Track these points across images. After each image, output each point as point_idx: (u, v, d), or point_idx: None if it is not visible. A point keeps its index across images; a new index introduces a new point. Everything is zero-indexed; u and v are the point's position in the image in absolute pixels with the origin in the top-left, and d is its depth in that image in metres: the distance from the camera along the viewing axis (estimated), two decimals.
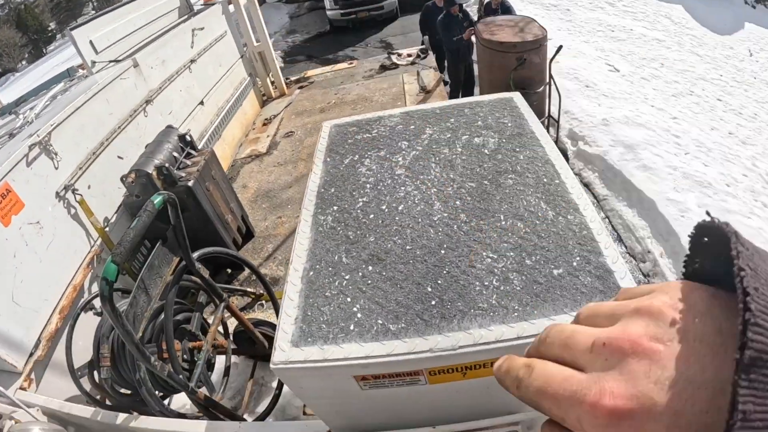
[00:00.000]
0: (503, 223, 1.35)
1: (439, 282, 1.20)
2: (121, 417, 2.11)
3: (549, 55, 5.10)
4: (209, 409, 2.28)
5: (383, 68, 7.04)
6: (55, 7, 29.00)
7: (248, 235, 4.19)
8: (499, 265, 1.22)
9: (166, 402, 2.44)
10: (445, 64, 7.04)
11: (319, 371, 1.11)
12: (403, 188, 1.51)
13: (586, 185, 5.47)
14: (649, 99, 6.91)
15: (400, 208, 1.44)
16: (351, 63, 7.72)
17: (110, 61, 4.17)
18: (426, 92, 5.90)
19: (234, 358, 2.91)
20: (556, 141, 5.57)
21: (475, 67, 6.29)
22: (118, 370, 2.35)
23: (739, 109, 6.99)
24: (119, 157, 3.71)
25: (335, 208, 1.49)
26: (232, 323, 2.88)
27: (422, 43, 7.27)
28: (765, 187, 5.21)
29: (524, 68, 4.93)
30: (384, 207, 1.45)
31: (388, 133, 1.79)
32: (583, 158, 5.75)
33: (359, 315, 1.16)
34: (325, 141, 1.81)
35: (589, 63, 7.77)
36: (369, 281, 1.23)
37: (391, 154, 1.67)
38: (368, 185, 1.55)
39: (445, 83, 6.91)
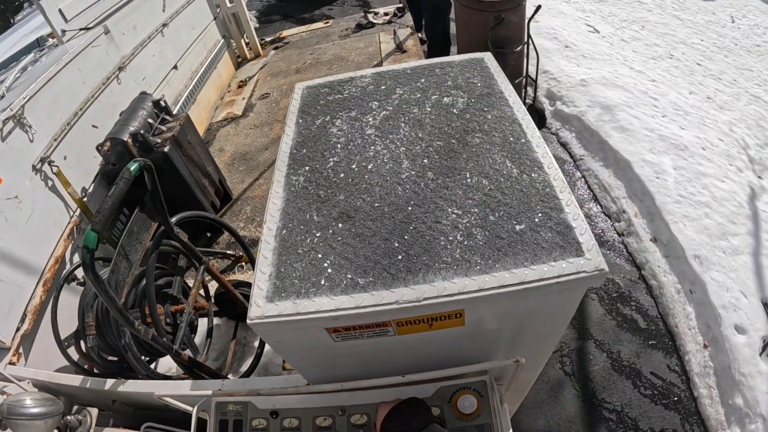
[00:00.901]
0: (469, 180, 1.39)
1: (406, 237, 1.25)
2: (110, 383, 2.16)
3: (528, 15, 5.05)
4: (194, 370, 2.35)
5: (359, 27, 6.88)
6: None
7: (226, 198, 4.20)
8: (463, 221, 1.28)
9: (152, 366, 2.51)
10: (423, 23, 6.93)
11: (293, 324, 1.16)
12: (372, 147, 1.54)
13: (563, 145, 5.53)
14: (628, 61, 6.90)
15: (369, 167, 1.48)
16: (327, 22, 7.51)
17: (81, 29, 4.05)
18: (402, 51, 5.82)
19: (216, 320, 2.97)
20: (534, 101, 5.59)
21: (453, 26, 6.20)
22: (103, 338, 2.39)
23: (718, 74, 6.98)
24: (94, 126, 3.65)
25: (307, 168, 1.52)
26: (213, 286, 2.92)
27: (399, 2, 7.12)
28: (740, 152, 5.25)
29: (502, 27, 4.88)
30: (354, 166, 1.49)
31: (360, 94, 1.80)
32: (561, 118, 5.79)
33: (330, 270, 1.21)
34: (298, 103, 1.82)
35: (569, 23, 7.71)
36: (339, 238, 1.28)
37: (361, 115, 1.70)
38: (339, 145, 1.58)
39: (423, 42, 6.80)
